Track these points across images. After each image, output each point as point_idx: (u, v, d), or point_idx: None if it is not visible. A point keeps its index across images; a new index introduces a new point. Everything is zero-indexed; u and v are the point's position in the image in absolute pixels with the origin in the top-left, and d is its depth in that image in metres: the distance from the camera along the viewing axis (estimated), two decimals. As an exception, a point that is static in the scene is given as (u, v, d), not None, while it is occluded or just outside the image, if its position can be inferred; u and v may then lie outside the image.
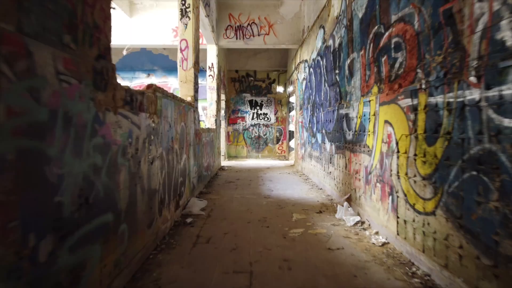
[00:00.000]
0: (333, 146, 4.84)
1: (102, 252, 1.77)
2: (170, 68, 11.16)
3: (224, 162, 10.07)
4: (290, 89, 10.40)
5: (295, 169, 8.29)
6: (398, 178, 2.68)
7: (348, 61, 4.11)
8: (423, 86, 2.31)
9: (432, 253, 2.18)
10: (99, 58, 1.75)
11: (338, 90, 4.63)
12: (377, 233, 3.06)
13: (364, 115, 3.52)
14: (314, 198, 4.71)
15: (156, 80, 11.29)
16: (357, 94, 3.77)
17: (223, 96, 10.58)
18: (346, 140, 4.17)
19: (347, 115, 4.17)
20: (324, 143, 5.44)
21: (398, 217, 2.69)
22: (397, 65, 2.76)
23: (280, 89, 11.45)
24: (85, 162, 1.59)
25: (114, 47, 9.74)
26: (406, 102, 2.55)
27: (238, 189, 5.48)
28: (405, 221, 2.57)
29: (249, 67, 11.51)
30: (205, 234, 3.11)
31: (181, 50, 4.76)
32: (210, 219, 3.61)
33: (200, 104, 11.14)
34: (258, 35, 8.06)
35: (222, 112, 10.64)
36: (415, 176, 2.41)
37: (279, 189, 5.42)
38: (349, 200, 3.95)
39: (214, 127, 7.64)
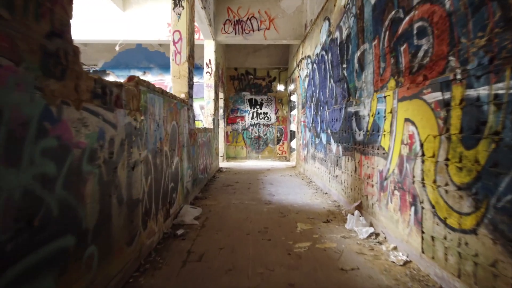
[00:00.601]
0: (340, 148, 4.43)
1: (57, 287, 1.36)
2: (167, 65, 10.75)
3: (223, 163, 9.67)
4: (291, 87, 10.00)
5: (297, 171, 7.88)
6: (423, 186, 2.28)
7: (358, 53, 3.71)
8: (459, 77, 1.91)
9: (472, 280, 1.78)
10: (52, 36, 1.35)
11: (345, 86, 4.23)
12: (395, 248, 2.65)
13: (378, 113, 3.12)
14: (320, 204, 4.31)
15: (152, 78, 10.89)
16: (369, 90, 3.37)
17: (221, 95, 10.18)
18: (356, 141, 3.77)
19: (356, 113, 3.76)
20: (330, 144, 5.03)
21: (423, 232, 2.28)
22: (420, 53, 2.36)
23: (280, 87, 11.05)
24: (26, 172, 1.18)
25: (107, 43, 9.36)
26: (435, 96, 2.15)
27: (236, 193, 5.07)
28: (432, 238, 2.17)
29: (248, 65, 11.10)
30: (197, 249, 2.70)
31: (174, 43, 4.36)
32: (205, 230, 3.21)
33: (198, 103, 10.75)
34: (258, 30, 7.66)
35: (221, 111, 10.24)
36: (447, 184, 2.01)
37: (281, 194, 5.01)
38: (359, 208, 3.55)
39: (212, 126, 7.24)
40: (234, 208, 4.12)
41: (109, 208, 1.87)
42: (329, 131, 5.09)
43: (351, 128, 3.96)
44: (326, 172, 5.28)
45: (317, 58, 6.03)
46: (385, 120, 2.97)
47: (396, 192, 2.71)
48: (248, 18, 7.64)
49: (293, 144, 10.44)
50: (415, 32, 2.44)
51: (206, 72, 7.56)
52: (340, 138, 4.46)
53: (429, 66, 2.25)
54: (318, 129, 5.88)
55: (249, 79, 11.15)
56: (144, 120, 2.49)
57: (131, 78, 2.35)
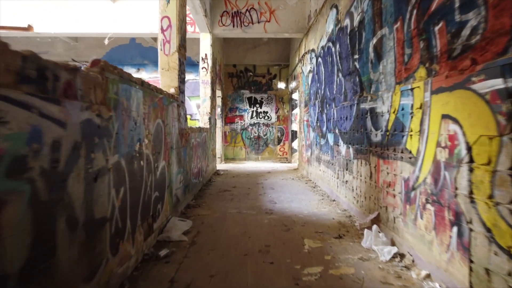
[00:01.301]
0: (351, 150, 3.91)
1: None
2: (162, 62, 10.21)
3: (221, 165, 9.15)
4: (292, 84, 9.48)
5: (300, 174, 7.36)
6: (472, 201, 1.76)
7: (374, 40, 3.19)
8: (534, 56, 1.39)
9: None
10: None
11: (357, 79, 3.71)
12: (428, 276, 2.13)
13: (403, 109, 2.60)
14: (328, 214, 3.79)
15: (147, 75, 10.37)
16: (389, 82, 2.85)
17: (219, 93, 9.66)
18: (372, 142, 3.25)
19: (372, 110, 3.24)
20: (338, 145, 4.51)
21: (471, 261, 1.76)
22: (465, 32, 1.84)
23: (281, 85, 10.53)
24: None
25: (98, 37, 8.83)
26: (492, 84, 1.63)
27: (234, 200, 4.55)
28: (487, 271, 1.65)
29: (247, 61, 10.58)
30: (183, 276, 2.18)
31: (162, 30, 3.84)
32: (194, 249, 2.69)
33: (195, 102, 10.24)
34: (258, 22, 7.14)
35: (218, 110, 9.72)
36: (513, 203, 1.49)
37: (283, 201, 4.49)
38: (377, 221, 3.03)
39: (208, 126, 6.72)
40: (231, 219, 3.60)
41: (51, 237, 1.35)
42: (337, 130, 4.57)
43: (365, 128, 3.44)
44: (333, 176, 4.76)
45: (322, 51, 5.51)
46: (412, 117, 2.45)
47: (429, 206, 2.19)
48: (247, 9, 7.12)
49: (295, 144, 9.92)
50: (456, 5, 1.92)
51: (202, 68, 7.04)
52: (350, 138, 3.94)
53: (480, 47, 1.73)
54: (324, 128, 5.36)
55: (248, 77, 10.63)
56: (114, 116, 1.96)
57: (95, 63, 1.82)
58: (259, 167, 8.90)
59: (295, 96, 9.76)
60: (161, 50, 3.86)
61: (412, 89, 2.45)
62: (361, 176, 3.58)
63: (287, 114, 10.68)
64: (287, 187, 5.65)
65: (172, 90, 3.82)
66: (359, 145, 3.63)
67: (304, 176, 7.01)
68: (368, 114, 3.35)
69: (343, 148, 4.27)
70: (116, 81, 2.01)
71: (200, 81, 7.08)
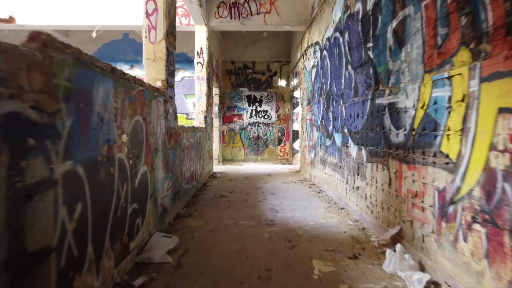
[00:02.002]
0: (364, 152, 3.42)
1: None
2: (156, 58, 9.72)
3: (218, 167, 8.65)
4: (294, 82, 9.00)
5: (302, 177, 6.87)
6: (553, 227, 1.27)
7: (394, 23, 2.70)
8: None
9: None
10: None
11: (371, 71, 3.23)
12: (478, 318, 1.65)
13: (435, 103, 2.11)
14: (338, 226, 3.30)
15: (141, 72, 9.85)
16: (415, 71, 2.36)
17: (216, 91, 9.17)
18: (391, 144, 2.76)
19: (392, 105, 2.76)
20: (347, 146, 4.02)
21: (552, 310, 1.27)
22: (537, -5, 1.35)
23: (282, 82, 10.04)
24: None
25: (83, 29, 8.32)
26: None
27: (230, 208, 4.06)
28: None
29: (246, 58, 10.09)
30: (160, 318, 1.69)
31: (148, 15, 3.35)
32: (179, 275, 2.19)
33: (191, 100, 9.75)
34: (257, 13, 6.65)
35: (216, 108, 9.23)
36: None
37: (286, 209, 4.00)
38: (398, 237, 2.54)
39: (203, 125, 6.23)
40: (226, 232, 3.11)
41: None
42: (345, 130, 4.08)
43: (382, 126, 2.95)
44: (341, 181, 4.27)
45: (328, 43, 5.03)
46: (449, 113, 1.95)
47: (477, 226, 1.70)
48: (245, 0, 6.63)
49: (296, 145, 9.44)
50: (522, -39, 1.44)
51: (197, 63, 6.55)
52: (363, 139, 3.45)
53: None
54: (330, 128, 4.87)
55: (247, 74, 10.13)
56: (65, 110, 1.47)
57: (33, 36, 1.33)
58: (258, 169, 8.40)
59: (296, 94, 9.28)
60: (146, 37, 3.37)
61: (449, 78, 1.96)
62: (376, 182, 3.08)
63: (288, 113, 10.19)
64: (289, 192, 5.16)
65: (158, 84, 3.33)
66: (374, 146, 3.14)
67: (307, 179, 6.52)
68: (386, 110, 2.86)
69: (353, 149, 3.78)
70: (70, 64, 1.52)
71: (195, 77, 6.58)
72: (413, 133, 2.38)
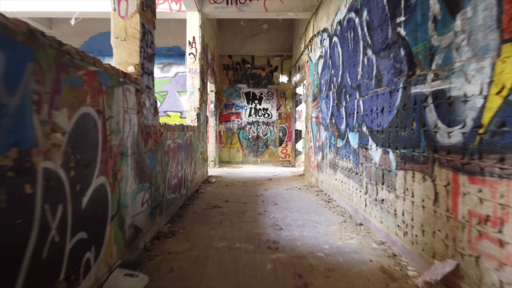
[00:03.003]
0: (392, 155, 2.70)
1: None
2: (148, 52, 9.00)
3: (214, 170, 7.93)
4: (296, 77, 8.28)
5: (307, 182, 6.15)
6: None
7: (442, -18, 1.98)
8: None
9: None
10: None
11: (403, 52, 2.51)
12: None
13: (529, 85, 1.39)
14: (361, 251, 2.57)
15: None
16: (483, 42, 1.64)
17: (212, 87, 8.45)
18: (438, 146, 2.04)
19: (439, 94, 2.03)
20: (366, 148, 3.30)
21: None
22: None
23: (283, 78, 9.32)
24: None
25: (67, 15, 7.61)
26: None
27: (223, 224, 3.33)
28: None
29: (245, 52, 9.36)
30: None
31: (117, -19, 2.62)
32: None
33: (185, 97, 9.03)
34: (257, -1, 5.93)
35: (212, 106, 8.51)
36: None
37: (292, 225, 3.28)
38: (455, 277, 1.81)
39: (196, 124, 5.51)
40: (216, 261, 2.38)
41: None
42: (364, 128, 3.35)
43: (421, 123, 2.23)
44: (358, 190, 3.54)
45: (339, 27, 4.30)
46: (561, 98, 1.23)
47: None
48: (243, -17, 5.91)
49: (299, 146, 8.72)
50: None
51: (189, 54, 5.83)
52: (391, 139, 2.73)
53: None
54: (342, 126, 4.15)
55: (246, 69, 9.41)
56: None
57: None
58: (258, 172, 7.68)
59: (299, 90, 8.56)
60: (114, 10, 2.64)
61: (562, 43, 1.24)
62: (412, 196, 2.36)
63: (290, 111, 9.46)
64: (294, 201, 4.44)
65: (130, 69, 2.61)
66: (408, 149, 2.42)
67: (313, 184, 5.80)
68: (430, 101, 2.14)
69: (375, 152, 3.05)
70: None
71: (187, 69, 5.86)
72: (481, 131, 1.66)
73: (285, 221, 3.41)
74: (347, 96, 3.94)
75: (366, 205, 3.30)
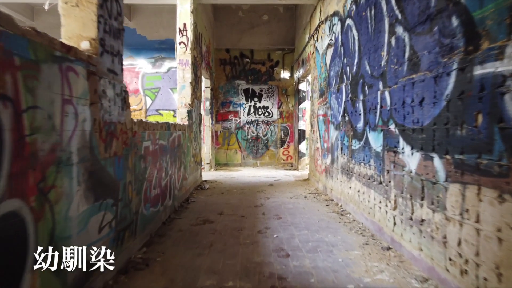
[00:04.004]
0: (440, 162, 2.00)
1: None
2: (138, 45, 8.34)
3: (209, 174, 7.23)
4: (300, 72, 7.59)
5: (314, 188, 5.45)
6: None
7: None
8: None
9: None
10: None
11: (454, 24, 1.83)
12: None
13: None
14: (398, 294, 1.88)
15: (126, 63, 8.43)
16: None
17: (208, 83, 7.76)
18: (532, 151, 1.35)
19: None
20: (396, 151, 2.60)
21: None
22: None
23: (285, 74, 8.63)
24: None
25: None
26: None
27: (214, 248, 2.64)
28: None
29: (244, 45, 8.67)
30: None
31: None
32: None
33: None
34: (256, -19, 5.23)
35: (207, 104, 7.82)
36: None
37: (301, 250, 2.58)
38: None
39: (187, 122, 4.82)
40: (198, 313, 1.69)
41: None
42: (392, 126, 2.66)
43: (495, 117, 1.54)
44: (383, 203, 2.85)
45: (354, 6, 3.62)
46: None
47: None
48: (241, -37, 5.22)
49: (303, 147, 8.02)
50: None
51: (180, 43, 5.13)
52: (436, 140, 2.04)
53: None
54: (359, 124, 3.45)
55: (244, 64, 8.71)
56: None
57: None
58: (258, 176, 6.98)
59: (302, 86, 7.87)
60: (62, -35, 1.94)
61: None
62: (477, 221, 1.67)
63: (292, 109, 8.77)
64: (300, 213, 3.74)
65: (84, 45, 1.91)
66: (470, 154, 1.72)
67: (320, 191, 5.10)
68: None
69: (411, 157, 2.36)
70: None
71: (177, 61, 5.16)
72: None
73: (292, 243, 2.71)
74: (366, 88, 3.25)
75: (395, 223, 2.60)
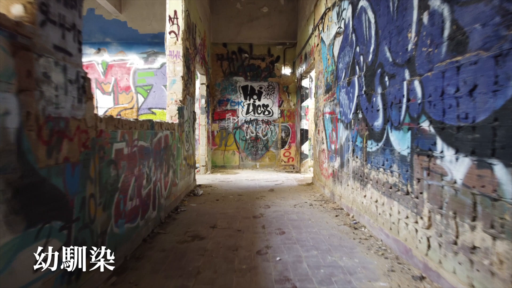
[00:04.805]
0: (506, 172, 1.47)
1: None
2: (129, 39, 7.82)
3: (204, 177, 6.70)
4: (302, 67, 7.06)
5: (319, 194, 4.92)
6: None
7: None
8: None
9: None
10: None
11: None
12: None
13: None
14: None
15: (110, 57, 7.94)
16: None
17: (203, 79, 7.23)
18: None
19: None
20: (431, 155, 2.06)
21: None
22: None
23: (286, 70, 8.10)
24: None
25: None
26: None
27: (201, 277, 2.10)
28: None
29: (242, 39, 8.14)
30: None
31: None
32: None
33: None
34: (255, -37, 4.69)
35: (203, 101, 7.28)
36: None
37: (312, 279, 2.05)
38: None
39: (177, 121, 4.28)
40: None
41: None
42: (425, 124, 2.12)
43: None
44: (411, 219, 2.31)
45: (370, -16, 3.09)
46: None
47: None
48: None
49: (305, 148, 7.49)
50: None
51: (170, 32, 4.60)
52: (498, 141, 1.50)
53: None
54: (377, 122, 2.92)
55: (243, 59, 8.18)
56: None
57: None
58: (257, 179, 6.45)
59: (305, 83, 7.34)
60: None
61: None
62: None
63: (294, 107, 8.24)
64: (306, 226, 3.21)
65: (16, 10, 1.38)
66: None
67: (326, 198, 4.57)
68: None
69: (454, 164, 1.82)
70: None
71: (167, 52, 4.63)
72: None
73: (300, 270, 2.18)
74: (386, 79, 2.72)
75: (429, 246, 2.07)
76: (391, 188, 2.64)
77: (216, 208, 4.01)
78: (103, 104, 8.00)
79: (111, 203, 2.15)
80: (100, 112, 8.14)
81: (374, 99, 2.99)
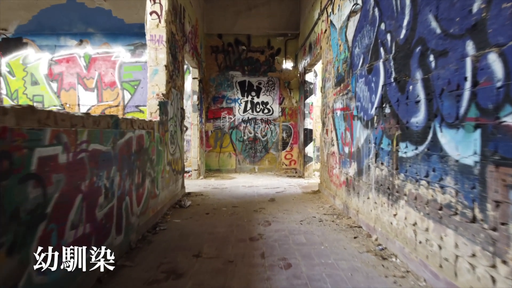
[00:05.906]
0: None
1: None
2: (114, 29, 7.09)
3: (196, 183, 5.96)
4: (306, 60, 6.32)
5: (329, 205, 4.17)
6: None
7: None
8: None
9: None
10: None
11: None
12: None
13: None
14: None
15: (93, 49, 7.20)
16: None
17: (196, 73, 6.48)
18: None
19: None
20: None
21: None
22: None
23: (288, 64, 7.36)
24: None
25: None
26: None
27: None
28: None
29: (239, 30, 7.40)
30: None
31: None
32: None
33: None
34: None
35: (195, 98, 6.54)
36: None
37: None
38: None
39: (158, 118, 3.55)
40: None
41: None
42: (509, 119, 1.38)
43: None
44: (482, 260, 1.56)
45: None
46: None
47: None
48: None
49: (309, 150, 6.74)
50: None
51: (151, 13, 3.86)
52: None
53: None
54: (416, 118, 2.17)
55: (240, 52, 7.44)
56: None
57: None
58: (255, 186, 5.70)
59: (309, 77, 6.60)
60: None
61: None
62: None
63: (297, 105, 7.50)
64: (319, 255, 2.46)
65: None
66: None
67: (338, 211, 3.83)
68: None
69: None
70: None
71: (147, 36, 3.90)
72: None
73: None
74: (431, 58, 1.98)
75: (522, 309, 1.33)
76: (441, 209, 1.90)
77: (204, 225, 3.26)
78: (86, 101, 7.26)
79: (28, 240, 1.41)
80: (83, 110, 7.39)
81: (410, 87, 2.25)
